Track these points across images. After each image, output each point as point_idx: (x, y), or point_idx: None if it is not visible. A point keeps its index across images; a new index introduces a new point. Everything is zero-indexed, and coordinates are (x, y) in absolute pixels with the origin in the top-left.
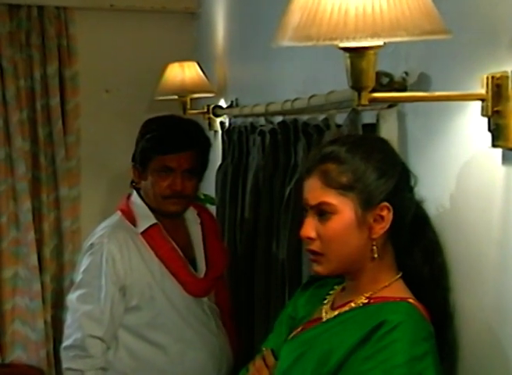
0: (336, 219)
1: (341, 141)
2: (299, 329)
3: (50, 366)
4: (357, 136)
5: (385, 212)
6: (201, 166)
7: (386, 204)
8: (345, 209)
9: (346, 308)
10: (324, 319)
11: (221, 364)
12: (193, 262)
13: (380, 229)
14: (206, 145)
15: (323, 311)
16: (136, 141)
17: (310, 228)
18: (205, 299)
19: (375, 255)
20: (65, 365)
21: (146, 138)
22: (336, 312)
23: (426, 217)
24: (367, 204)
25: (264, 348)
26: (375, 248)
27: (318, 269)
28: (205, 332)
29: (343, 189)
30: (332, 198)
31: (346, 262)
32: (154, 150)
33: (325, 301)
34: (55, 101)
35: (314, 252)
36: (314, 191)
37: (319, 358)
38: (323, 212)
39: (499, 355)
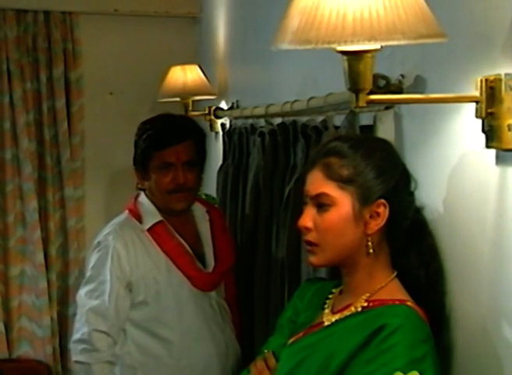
0: (333, 211)
1: (345, 138)
2: (301, 334)
3: (56, 361)
4: (361, 135)
5: (381, 209)
6: (199, 156)
7: (383, 201)
8: (343, 202)
9: (347, 312)
10: (325, 324)
11: (227, 359)
12: (202, 258)
13: (375, 225)
14: (200, 135)
15: (324, 316)
16: (135, 144)
17: (308, 219)
18: (213, 294)
19: (370, 251)
20: (74, 358)
21: (142, 139)
22: (337, 317)
23: (425, 222)
24: (364, 199)
25: (265, 351)
26: (370, 243)
27: (313, 259)
28: (212, 327)
29: (343, 182)
30: (332, 190)
31: (340, 254)
32: (152, 148)
33: (325, 306)
34: (61, 103)
35: (309, 243)
36: (315, 182)
37: (321, 363)
38: (322, 204)
39: (492, 355)
